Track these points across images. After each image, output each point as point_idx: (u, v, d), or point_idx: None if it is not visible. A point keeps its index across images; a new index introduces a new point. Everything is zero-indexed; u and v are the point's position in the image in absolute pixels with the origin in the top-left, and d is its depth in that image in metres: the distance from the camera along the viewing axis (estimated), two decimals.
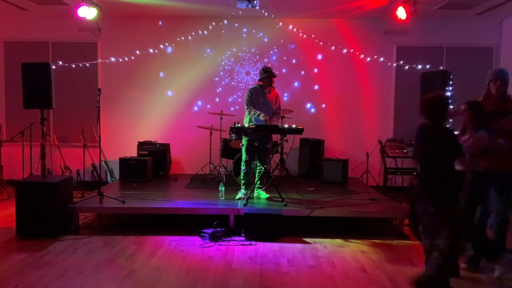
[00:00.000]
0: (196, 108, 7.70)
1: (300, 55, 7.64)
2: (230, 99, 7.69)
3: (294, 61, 7.64)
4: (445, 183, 3.20)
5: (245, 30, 7.62)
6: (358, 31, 7.51)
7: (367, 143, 7.27)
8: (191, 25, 7.30)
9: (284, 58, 7.64)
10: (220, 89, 7.68)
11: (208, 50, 7.63)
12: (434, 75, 5.06)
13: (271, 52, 7.64)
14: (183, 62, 7.57)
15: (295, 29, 7.10)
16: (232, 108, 7.61)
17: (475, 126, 3.63)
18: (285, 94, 7.59)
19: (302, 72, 7.64)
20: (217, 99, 7.68)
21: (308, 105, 7.66)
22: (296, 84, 7.63)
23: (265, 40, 7.62)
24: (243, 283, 3.51)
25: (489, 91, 3.81)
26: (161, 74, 7.61)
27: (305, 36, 7.11)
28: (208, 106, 7.67)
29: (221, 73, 7.67)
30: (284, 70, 7.58)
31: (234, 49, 7.63)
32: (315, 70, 7.60)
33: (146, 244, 4.46)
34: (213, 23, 7.10)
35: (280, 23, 7.16)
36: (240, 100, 7.60)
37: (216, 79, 7.67)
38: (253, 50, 7.63)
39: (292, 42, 7.60)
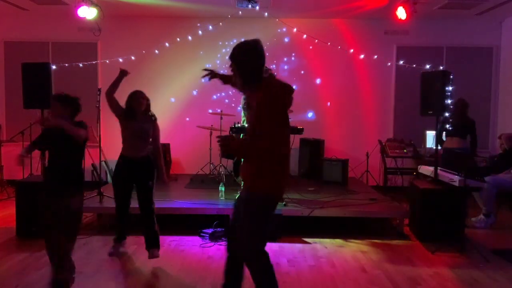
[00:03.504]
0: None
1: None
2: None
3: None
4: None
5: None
6: (358, 31, 7.51)
7: (367, 143, 7.27)
8: (191, 25, 7.28)
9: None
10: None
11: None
12: (434, 75, 5.05)
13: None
14: (184, 62, 7.54)
15: (294, 29, 7.09)
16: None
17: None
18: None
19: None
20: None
21: (310, 112, 7.55)
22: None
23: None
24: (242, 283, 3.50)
25: None
26: (161, 74, 7.58)
27: (305, 36, 7.11)
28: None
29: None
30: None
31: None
32: (317, 76, 7.62)
33: None
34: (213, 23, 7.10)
35: (280, 22, 7.16)
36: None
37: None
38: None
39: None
